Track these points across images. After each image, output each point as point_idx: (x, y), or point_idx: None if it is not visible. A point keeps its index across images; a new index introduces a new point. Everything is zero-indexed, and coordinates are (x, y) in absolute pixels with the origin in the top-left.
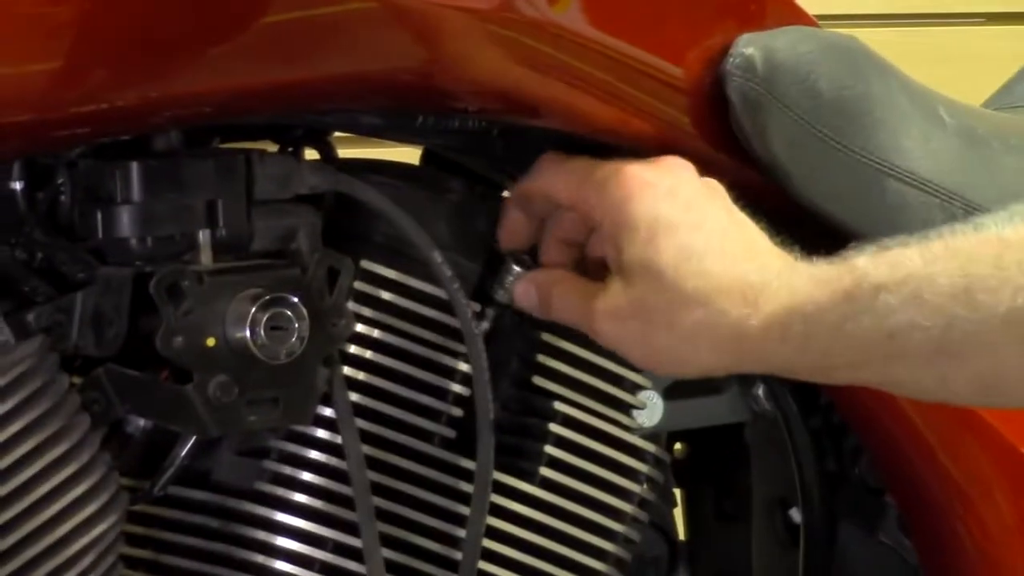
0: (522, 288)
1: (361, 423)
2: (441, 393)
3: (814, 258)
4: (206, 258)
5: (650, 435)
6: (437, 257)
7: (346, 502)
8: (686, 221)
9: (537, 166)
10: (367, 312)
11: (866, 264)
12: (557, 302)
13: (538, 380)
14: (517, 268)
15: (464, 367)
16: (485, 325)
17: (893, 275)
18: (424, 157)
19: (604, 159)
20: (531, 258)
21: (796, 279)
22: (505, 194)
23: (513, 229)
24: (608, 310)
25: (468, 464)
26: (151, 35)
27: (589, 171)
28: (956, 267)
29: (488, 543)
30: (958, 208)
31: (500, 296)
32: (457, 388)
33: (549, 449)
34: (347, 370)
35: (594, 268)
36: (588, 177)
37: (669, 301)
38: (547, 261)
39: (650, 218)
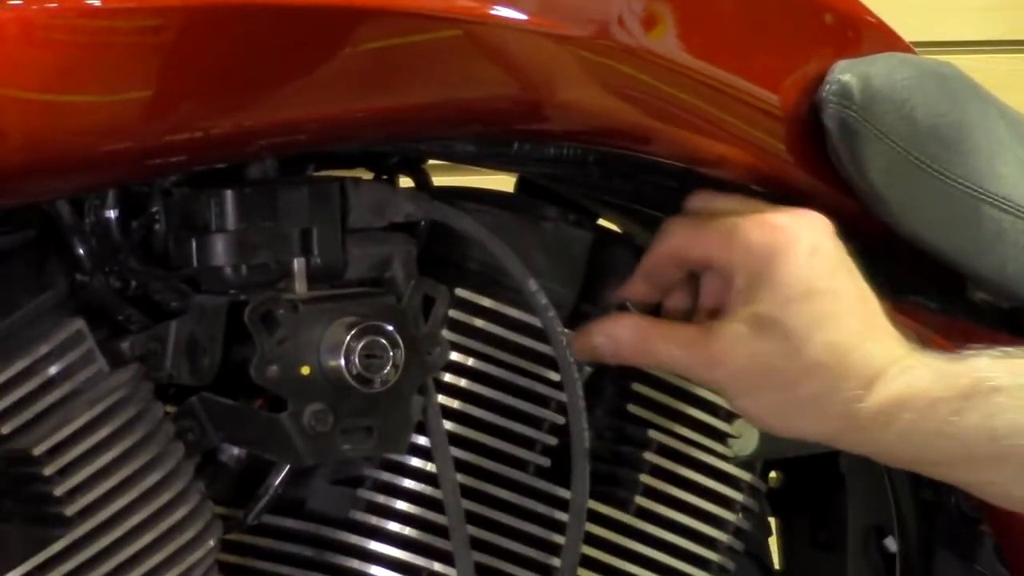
0: (603, 336)
1: (456, 452)
2: (536, 422)
3: (934, 350)
4: (301, 286)
5: (745, 463)
6: (532, 285)
7: (441, 531)
8: (824, 289)
9: (665, 232)
10: (462, 340)
11: (987, 366)
12: (658, 346)
13: (633, 408)
14: None
15: (559, 396)
16: (588, 369)
17: (1013, 380)
18: (519, 185)
19: (731, 215)
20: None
21: (916, 372)
22: (600, 222)
23: (635, 294)
24: (724, 360)
25: (563, 493)
26: (245, 64)
27: (729, 227)
28: None
29: (583, 572)
30: None
31: None
32: (552, 417)
33: (644, 478)
34: (442, 398)
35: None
36: (731, 232)
37: (792, 366)
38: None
39: (791, 279)
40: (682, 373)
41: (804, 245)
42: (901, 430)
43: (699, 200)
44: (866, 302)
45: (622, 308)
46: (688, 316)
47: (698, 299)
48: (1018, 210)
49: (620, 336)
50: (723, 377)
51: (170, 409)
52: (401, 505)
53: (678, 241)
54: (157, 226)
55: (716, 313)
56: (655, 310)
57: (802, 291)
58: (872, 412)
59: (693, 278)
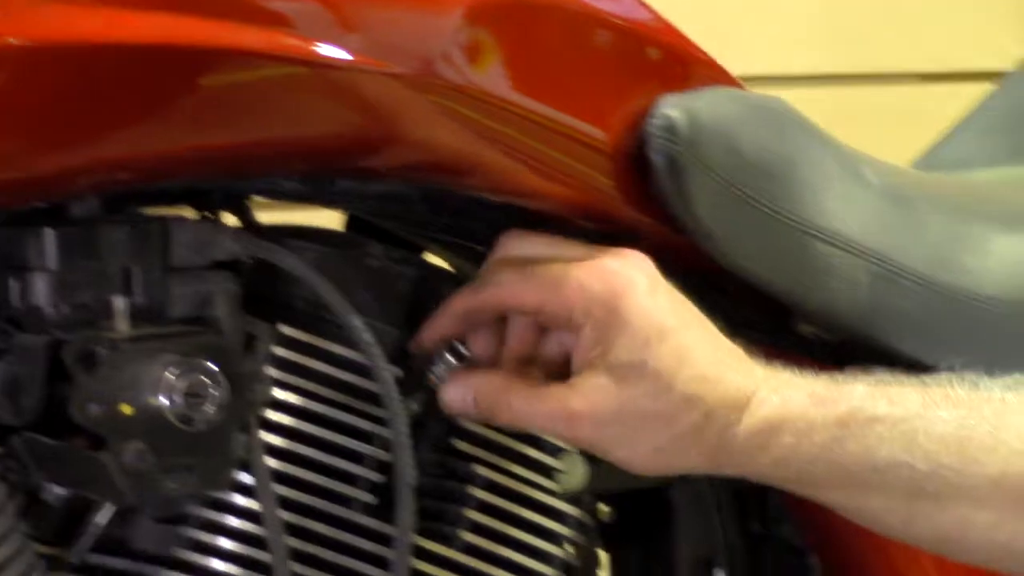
0: (457, 394)
1: (280, 489)
2: (360, 458)
3: (805, 371)
4: (122, 325)
5: (572, 498)
6: (356, 322)
7: (265, 569)
8: (675, 325)
9: (491, 279)
10: (287, 377)
11: (864, 394)
12: (517, 406)
13: (458, 443)
14: (451, 359)
15: (384, 432)
16: (415, 407)
17: (891, 411)
18: (347, 222)
19: (555, 261)
20: (463, 346)
21: (789, 393)
22: (426, 256)
23: (444, 334)
24: (590, 413)
25: (388, 529)
26: (66, 102)
27: (561, 277)
28: (954, 417)
29: None
30: (884, 269)
31: (434, 383)
32: (376, 453)
33: (470, 513)
34: (266, 436)
35: (539, 369)
36: (564, 282)
37: (665, 404)
38: (482, 359)
39: (641, 321)
40: (542, 432)
41: (642, 286)
42: (779, 455)
43: (513, 244)
44: (714, 332)
45: (454, 350)
46: (494, 360)
47: (504, 342)
48: (847, 245)
49: (480, 390)
50: (592, 433)
51: None
52: (225, 543)
53: (506, 291)
54: None
55: (528, 359)
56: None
57: (655, 331)
58: (749, 434)
59: (500, 321)
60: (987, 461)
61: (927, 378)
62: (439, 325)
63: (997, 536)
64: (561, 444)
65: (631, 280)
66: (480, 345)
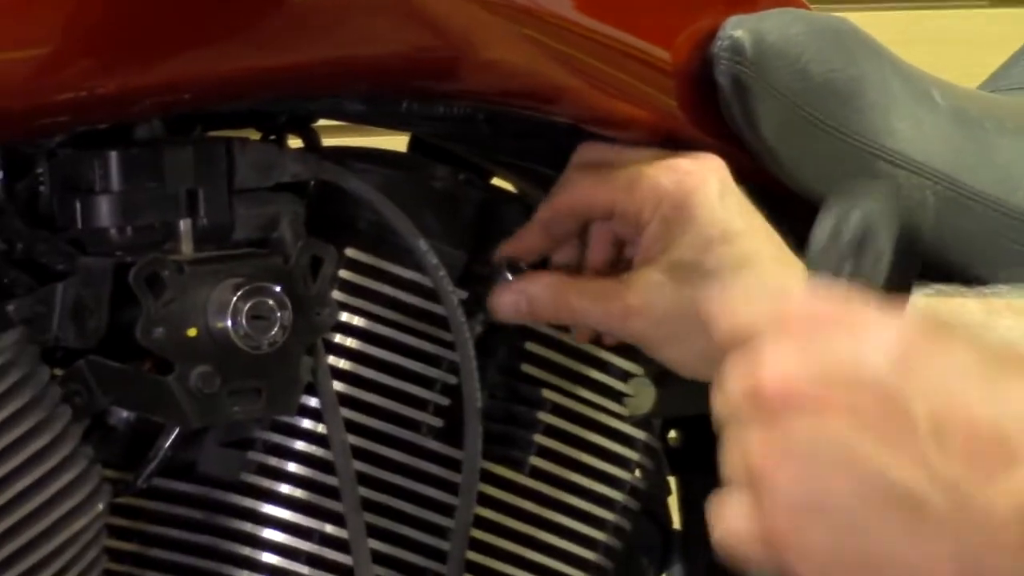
0: (508, 299)
1: (346, 412)
2: (428, 382)
3: None
4: (187, 248)
5: (642, 422)
6: (422, 245)
7: (332, 493)
8: (740, 229)
9: (567, 182)
10: (352, 301)
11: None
12: (575, 303)
13: (526, 368)
14: (511, 277)
15: (451, 355)
16: (478, 328)
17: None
18: (411, 144)
19: (631, 163)
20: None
21: None
22: (493, 181)
23: (528, 247)
24: (642, 310)
25: (455, 454)
26: (131, 22)
27: (635, 174)
28: (1018, 324)
29: (476, 533)
30: (951, 191)
31: None
32: (444, 377)
33: (538, 438)
34: (331, 359)
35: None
36: (637, 179)
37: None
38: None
39: (707, 221)
40: (599, 327)
41: (714, 187)
42: None
43: (590, 151)
44: (779, 243)
45: (513, 266)
46: (577, 269)
47: (586, 251)
48: (914, 166)
49: (535, 293)
50: (643, 328)
51: (57, 372)
52: (292, 467)
53: (581, 191)
54: (42, 188)
55: (610, 264)
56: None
57: (719, 233)
58: None
59: (582, 231)
60: None
61: (985, 289)
62: (523, 238)
63: None
64: (630, 368)
65: (703, 180)
66: (562, 258)
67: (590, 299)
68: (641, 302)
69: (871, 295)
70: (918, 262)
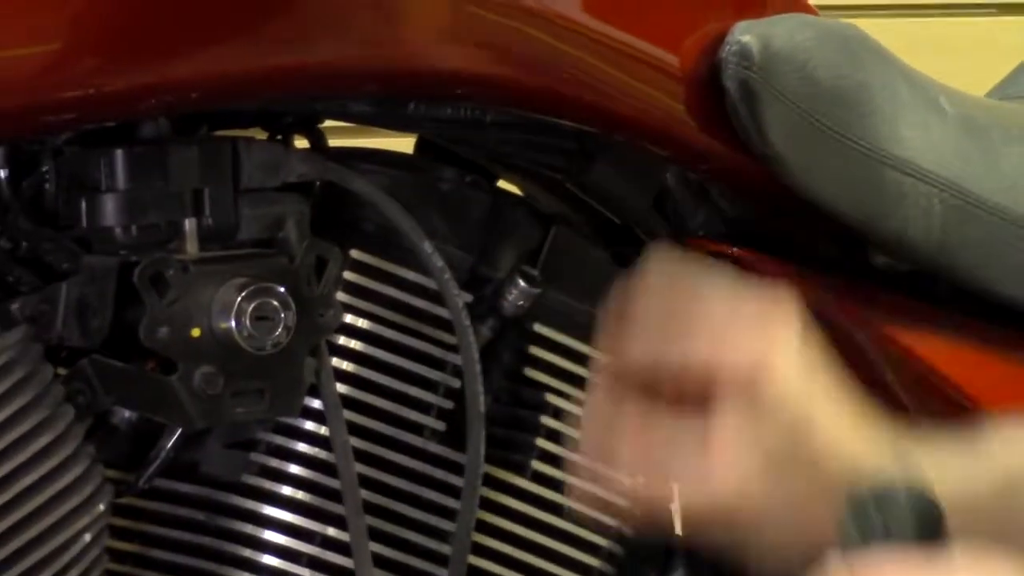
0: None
1: (349, 415)
2: (431, 385)
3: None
4: (192, 247)
5: None
6: (428, 247)
7: (334, 495)
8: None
9: (641, 338)
10: (356, 302)
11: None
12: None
13: (530, 372)
14: (523, 283)
15: (455, 359)
16: (485, 332)
17: None
18: (418, 146)
19: (703, 299)
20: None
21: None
22: (500, 184)
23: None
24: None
25: (458, 457)
26: (138, 19)
27: (703, 338)
28: None
29: (478, 537)
30: (957, 198)
31: (505, 309)
32: (447, 380)
33: (540, 442)
34: (335, 361)
35: None
36: (704, 346)
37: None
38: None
39: (780, 408)
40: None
41: (792, 337)
42: None
43: (657, 275)
44: (847, 401)
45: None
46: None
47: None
48: (921, 173)
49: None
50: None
51: (61, 371)
52: (294, 469)
53: (648, 351)
54: (47, 185)
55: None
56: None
57: (793, 424)
58: None
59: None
60: None
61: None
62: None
63: None
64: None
65: (772, 363)
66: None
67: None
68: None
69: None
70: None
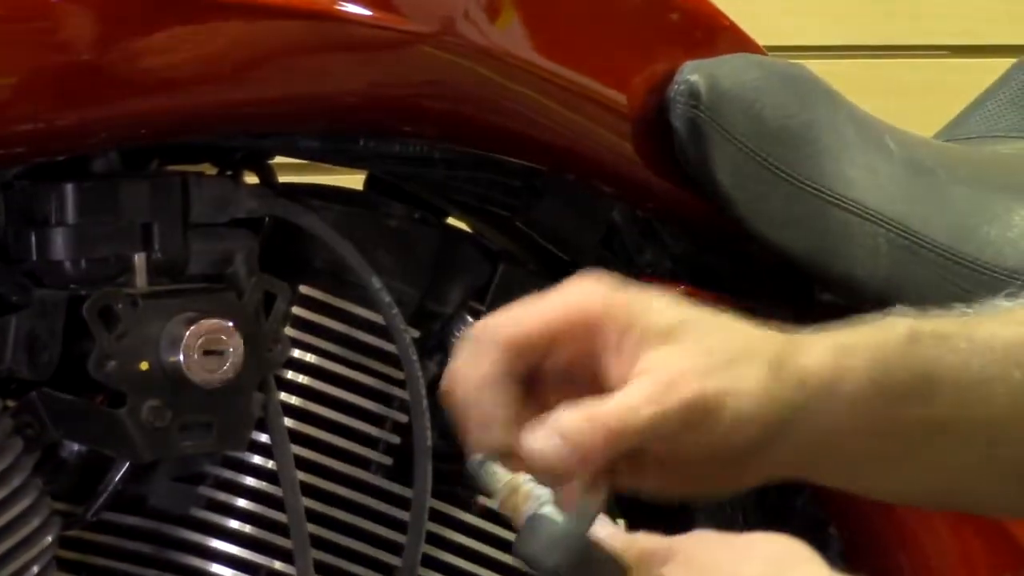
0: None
1: (297, 449)
2: (378, 420)
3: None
4: (141, 281)
5: None
6: (376, 283)
7: (281, 529)
8: None
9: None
10: (304, 337)
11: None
12: None
13: None
14: (470, 319)
15: (402, 394)
16: (432, 368)
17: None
18: (367, 182)
19: None
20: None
21: None
22: (449, 221)
23: None
24: None
25: (404, 492)
26: (88, 55)
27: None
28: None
29: (424, 572)
30: (904, 238)
31: (453, 344)
32: (395, 415)
33: None
34: (283, 396)
35: None
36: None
37: None
38: None
39: None
40: None
41: None
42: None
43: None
44: None
45: (472, 311)
46: None
47: None
48: (867, 213)
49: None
50: None
51: (9, 403)
52: (241, 503)
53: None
54: None
55: None
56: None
57: None
58: None
59: None
60: None
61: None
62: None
63: None
64: None
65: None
66: None
67: None
68: None
69: None
70: None
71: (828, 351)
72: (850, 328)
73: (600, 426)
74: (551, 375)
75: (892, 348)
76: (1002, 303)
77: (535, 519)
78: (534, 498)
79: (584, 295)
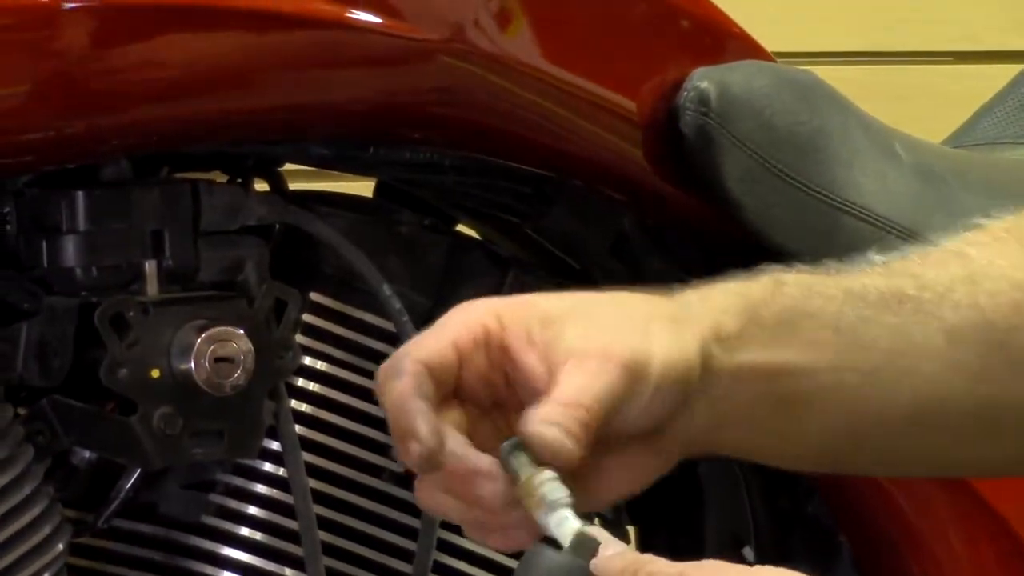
0: None
1: (308, 457)
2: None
3: None
4: (152, 288)
5: None
6: (386, 289)
7: (292, 536)
8: None
9: None
10: (315, 345)
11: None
12: None
13: None
14: None
15: None
16: None
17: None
18: (377, 190)
19: None
20: None
21: None
22: (459, 228)
23: None
24: None
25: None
26: (99, 63)
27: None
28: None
29: None
30: (913, 245)
31: None
32: None
33: None
34: (294, 403)
35: None
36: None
37: None
38: None
39: None
40: None
41: None
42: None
43: None
44: None
45: None
46: None
47: None
48: (877, 220)
49: None
50: None
51: (20, 411)
52: (252, 510)
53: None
54: (8, 227)
55: None
56: None
57: None
58: None
59: None
60: None
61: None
62: None
63: None
64: None
65: None
66: None
67: None
68: None
69: None
70: None
71: (709, 310)
72: (723, 283)
73: (575, 406)
74: (472, 391)
75: (758, 295)
76: (875, 258)
77: (534, 552)
78: (548, 504)
79: (475, 311)
